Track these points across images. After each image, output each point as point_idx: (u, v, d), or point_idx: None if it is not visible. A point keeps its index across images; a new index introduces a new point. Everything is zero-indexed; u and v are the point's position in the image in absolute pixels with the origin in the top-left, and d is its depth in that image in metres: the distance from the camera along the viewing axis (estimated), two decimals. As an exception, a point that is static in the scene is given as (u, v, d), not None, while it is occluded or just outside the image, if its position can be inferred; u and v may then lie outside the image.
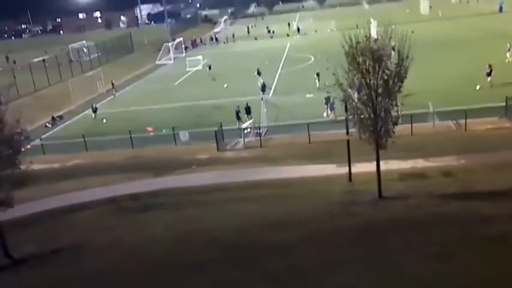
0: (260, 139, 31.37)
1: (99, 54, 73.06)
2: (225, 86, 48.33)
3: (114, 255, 16.05)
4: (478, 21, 78.04)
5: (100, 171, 28.89)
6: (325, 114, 34.14)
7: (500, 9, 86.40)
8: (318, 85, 41.90)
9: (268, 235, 15.77)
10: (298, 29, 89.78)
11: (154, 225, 18.61)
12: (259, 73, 49.36)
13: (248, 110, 35.14)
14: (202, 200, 22.35)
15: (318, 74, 42.55)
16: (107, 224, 19.84)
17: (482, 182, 20.43)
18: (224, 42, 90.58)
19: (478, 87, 36.65)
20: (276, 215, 18.15)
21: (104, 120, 41.45)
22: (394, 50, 19.08)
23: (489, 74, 37.18)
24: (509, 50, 44.80)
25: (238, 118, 34.57)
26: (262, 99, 38.19)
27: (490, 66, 37.38)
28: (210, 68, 58.07)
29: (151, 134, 35.09)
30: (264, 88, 42.07)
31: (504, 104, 30.29)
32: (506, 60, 44.51)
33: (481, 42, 56.89)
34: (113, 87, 52.98)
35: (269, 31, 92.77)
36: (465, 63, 46.55)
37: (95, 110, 43.43)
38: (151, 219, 19.79)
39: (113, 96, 51.57)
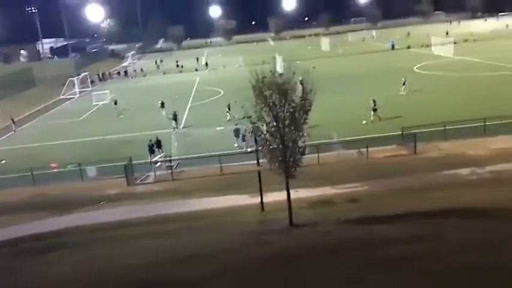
0: (172, 172, 31.01)
1: (-4, 89, 68.94)
2: (121, 116, 47.45)
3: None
4: (373, 57, 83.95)
5: (-3, 212, 26.88)
6: (236, 145, 34.65)
7: (393, 47, 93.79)
8: (228, 117, 42.47)
9: (180, 270, 15.44)
10: (207, 64, 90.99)
11: (59, 266, 17.48)
12: (162, 106, 49.51)
13: (158, 144, 34.72)
14: (111, 237, 21.47)
15: (228, 107, 43.15)
16: (5, 270, 18.32)
17: (384, 206, 21.63)
18: (132, 77, 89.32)
19: (364, 122, 38.00)
20: (187, 249, 17.86)
21: (3, 161, 38.10)
22: (302, 84, 19.89)
23: (374, 110, 38.65)
24: (404, 84, 48.43)
25: (152, 152, 34.00)
26: (174, 129, 38.70)
27: (374, 101, 39.03)
28: (116, 103, 56.68)
29: (55, 170, 33.38)
30: (175, 117, 42.43)
31: (401, 133, 32.61)
32: (400, 93, 48.03)
33: (377, 76, 61.11)
34: (13, 123, 49.81)
35: (178, 65, 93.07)
36: (364, 96, 49.51)
37: None
38: (56, 261, 18.57)
39: (12, 132, 48.47)
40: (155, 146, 34.52)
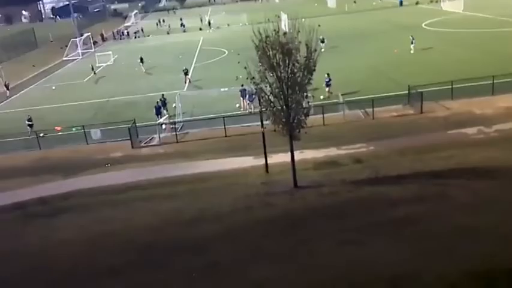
0: (176, 134, 30.88)
1: (-1, 51, 68.38)
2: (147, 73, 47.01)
3: (21, 265, 15.00)
4: (381, 14, 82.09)
5: (3, 175, 27.01)
6: (237, 105, 34.35)
7: (401, 3, 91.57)
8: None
9: (184, 233, 15.51)
10: (209, 23, 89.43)
11: (64, 229, 17.64)
12: (141, 61, 52.98)
13: (164, 103, 34.42)
14: (116, 200, 21.56)
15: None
16: (12, 232, 18.52)
17: (390, 167, 21.49)
18: (135, 37, 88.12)
19: (321, 97, 34.46)
20: (192, 211, 17.90)
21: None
22: (307, 46, 19.33)
23: (328, 85, 35.31)
24: (412, 43, 47.25)
25: (159, 113, 33.74)
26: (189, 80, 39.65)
27: (328, 75, 35.26)
28: (142, 60, 54.97)
29: (60, 133, 33.37)
30: (187, 72, 42.23)
31: (407, 92, 32.13)
32: (411, 52, 46.98)
33: (384, 35, 59.87)
34: (6, 89, 48.18)
35: (182, 25, 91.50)
36: (370, 55, 48.73)
37: None
38: (61, 224, 18.74)
39: (6, 99, 46.96)
40: (162, 107, 34.24)
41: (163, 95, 35.24)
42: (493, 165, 18.61)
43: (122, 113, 36.28)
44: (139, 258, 13.99)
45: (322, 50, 42.90)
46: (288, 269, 12.85)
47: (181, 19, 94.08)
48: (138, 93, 42.13)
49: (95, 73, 54.50)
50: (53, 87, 49.09)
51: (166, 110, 34.43)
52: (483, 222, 13.60)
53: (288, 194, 18.83)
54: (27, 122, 33.95)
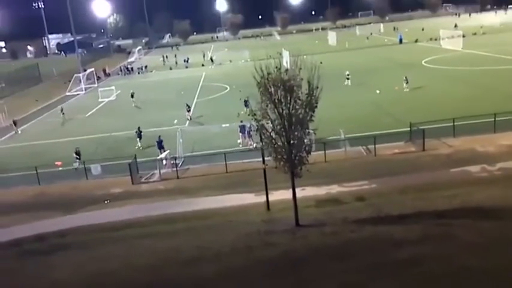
0: (177, 170, 30.69)
1: (3, 85, 68.95)
2: (139, 107, 46.66)
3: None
4: (381, 51, 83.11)
5: (1, 211, 26.68)
6: (239, 141, 34.26)
7: (400, 41, 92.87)
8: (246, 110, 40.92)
9: (183, 273, 15.12)
10: (212, 59, 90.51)
11: (61, 268, 17.22)
12: (132, 96, 54.29)
13: (160, 144, 34.07)
14: (114, 237, 21.18)
15: (245, 103, 41.50)
16: (6, 270, 18.08)
17: (392, 205, 21.16)
18: (138, 73, 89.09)
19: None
20: (191, 250, 17.51)
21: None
22: (309, 82, 19.30)
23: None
24: (406, 82, 47.22)
25: (161, 147, 33.66)
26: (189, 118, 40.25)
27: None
28: (132, 96, 56.19)
29: (60, 168, 33.19)
30: (139, 135, 37.64)
31: (409, 129, 32.07)
32: (405, 91, 46.93)
33: (385, 71, 60.37)
34: (14, 125, 47.31)
35: (185, 60, 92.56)
36: (371, 91, 48.97)
37: None
38: (58, 262, 18.32)
39: (14, 133, 46.60)
40: (157, 146, 34.00)
41: (159, 136, 34.76)
42: (498, 204, 18.29)
43: (123, 148, 36.18)
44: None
45: (349, 84, 49.47)
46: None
47: (186, 59, 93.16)
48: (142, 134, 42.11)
49: (63, 113, 52.16)
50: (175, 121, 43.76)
51: (163, 149, 33.79)
52: (490, 264, 13.21)
53: (290, 233, 18.47)
54: (74, 155, 33.43)
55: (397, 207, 20.59)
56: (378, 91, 47.84)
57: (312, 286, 13.28)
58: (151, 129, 40.91)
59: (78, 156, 33.36)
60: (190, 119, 45.08)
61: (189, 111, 45.80)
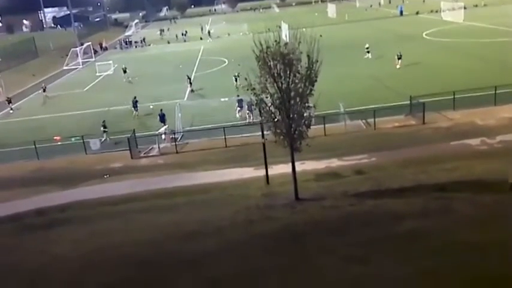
0: (176, 145, 30.60)
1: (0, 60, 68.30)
2: (131, 81, 45.81)
3: (14, 281, 14.58)
4: (381, 24, 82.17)
5: (0, 186, 26.69)
6: (237, 116, 34.07)
7: (401, 13, 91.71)
8: (235, 85, 41.12)
9: (184, 247, 15.13)
10: (209, 33, 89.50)
11: (61, 243, 17.23)
12: (124, 71, 52.66)
13: (162, 118, 33.96)
14: (114, 211, 21.19)
15: (235, 77, 41.75)
16: (7, 245, 18.11)
17: (393, 179, 21.14)
18: (136, 46, 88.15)
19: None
20: (192, 224, 17.53)
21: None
22: (308, 56, 18.98)
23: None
24: (399, 59, 45.25)
25: (163, 121, 33.53)
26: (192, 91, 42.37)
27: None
28: (125, 71, 55.83)
29: (59, 143, 33.09)
30: (135, 104, 38.88)
31: (409, 102, 31.89)
32: (397, 67, 45.33)
33: (385, 44, 59.71)
34: (9, 103, 46.09)
35: (183, 34, 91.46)
36: (371, 64, 48.59)
37: None
38: (58, 237, 18.33)
39: (10, 111, 45.28)
40: (159, 119, 33.89)
41: (161, 109, 34.78)
42: (498, 178, 18.22)
43: (122, 123, 36.01)
44: (137, 275, 13.57)
45: (369, 57, 48.15)
46: (290, 286, 12.48)
47: (184, 32, 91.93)
48: (138, 103, 41.79)
49: (44, 91, 50.45)
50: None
51: (165, 122, 33.72)
52: (490, 238, 13.22)
53: (289, 207, 18.46)
54: (102, 128, 33.34)
55: (397, 181, 20.58)
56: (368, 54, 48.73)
57: (312, 260, 13.30)
58: (150, 103, 40.72)
59: (105, 129, 33.24)
60: (192, 90, 45.00)
61: (190, 83, 45.78)
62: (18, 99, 50.55)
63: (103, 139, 32.69)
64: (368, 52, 51.84)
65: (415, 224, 14.74)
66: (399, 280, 11.70)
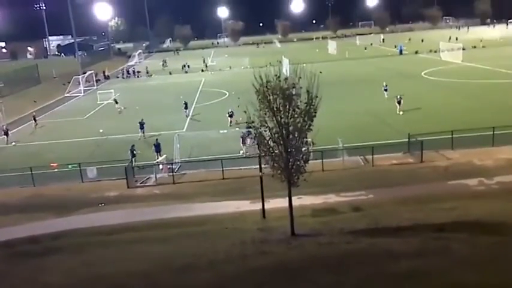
0: (173, 175, 30.50)
1: (2, 85, 68.78)
2: (101, 131, 45.47)
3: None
4: (381, 61, 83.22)
5: (-6, 212, 26.48)
6: (241, 152, 33.71)
7: (400, 52, 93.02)
8: (229, 124, 41.55)
9: (177, 280, 14.89)
10: (206, 65, 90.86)
11: (53, 271, 16.98)
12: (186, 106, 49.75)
13: (158, 147, 33.95)
14: (108, 241, 20.95)
15: (230, 115, 42.11)
16: (-1, 272, 17.87)
17: (390, 217, 21.00)
18: (138, 76, 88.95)
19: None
20: (185, 257, 17.29)
21: (14, 144, 40.00)
22: (308, 92, 18.95)
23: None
24: (399, 103, 42.45)
25: (158, 151, 33.50)
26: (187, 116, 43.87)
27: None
28: (116, 101, 56.12)
29: (56, 170, 32.96)
30: (142, 126, 40.75)
31: (407, 140, 31.97)
32: (398, 113, 42.55)
33: (384, 81, 60.24)
34: (34, 120, 48.74)
35: (184, 66, 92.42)
36: (370, 101, 48.93)
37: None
38: (50, 265, 18.07)
39: (13, 144, 43.04)
40: (155, 149, 33.83)
41: (157, 139, 34.93)
42: (496, 219, 18.14)
43: (120, 152, 35.94)
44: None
45: (398, 112, 41.67)
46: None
47: (186, 64, 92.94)
48: (137, 132, 41.91)
49: (35, 121, 49.45)
50: (101, 131, 44.56)
51: (160, 153, 33.69)
52: (487, 281, 13.05)
53: (285, 243, 18.26)
54: (130, 153, 33.10)
55: (394, 219, 20.43)
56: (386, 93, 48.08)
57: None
58: (150, 132, 40.78)
59: (134, 154, 33.13)
60: (187, 116, 46.58)
61: (186, 108, 47.85)
62: (19, 125, 50.62)
63: (132, 164, 32.12)
64: (386, 90, 49.17)
65: (412, 264, 14.56)
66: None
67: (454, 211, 20.87)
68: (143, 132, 40.34)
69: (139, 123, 40.64)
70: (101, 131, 43.91)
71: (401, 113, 42.05)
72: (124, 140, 40.23)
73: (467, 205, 21.69)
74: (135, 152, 33.23)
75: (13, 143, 41.64)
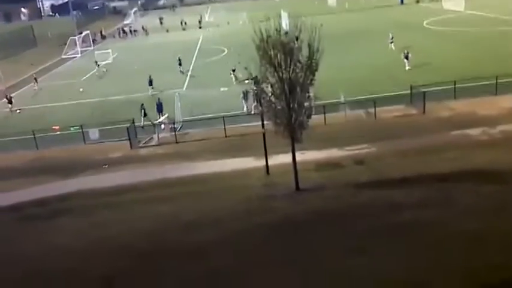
0: (175, 134, 30.48)
1: (-3, 48, 67.92)
2: (81, 90, 45.75)
3: (14, 272, 14.56)
4: (382, 12, 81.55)
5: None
6: (244, 109, 33.53)
7: (401, 2, 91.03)
8: (234, 81, 41.10)
9: (183, 238, 15.10)
10: (200, 22, 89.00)
11: (60, 233, 17.23)
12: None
13: (160, 107, 33.79)
14: (114, 202, 21.16)
15: (233, 70, 41.54)
16: (7, 235, 18.12)
17: (393, 169, 21.10)
18: (135, 35, 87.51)
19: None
20: (191, 215, 17.50)
21: (18, 111, 39.72)
22: (309, 45, 18.57)
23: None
24: (407, 59, 40.97)
25: (160, 111, 33.35)
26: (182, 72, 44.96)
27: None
28: (97, 64, 54.90)
29: (58, 132, 32.95)
30: (150, 83, 41.78)
31: (409, 92, 31.72)
32: (406, 68, 41.29)
33: (385, 33, 59.22)
34: (36, 82, 48.89)
35: (181, 23, 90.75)
36: (371, 53, 48.28)
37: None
38: (58, 227, 18.35)
39: (17, 111, 41.74)
40: (157, 109, 33.65)
41: (159, 98, 34.73)
42: (499, 168, 18.20)
43: (121, 113, 35.83)
44: (136, 266, 13.57)
45: (407, 68, 39.33)
46: (290, 276, 12.47)
47: (184, 22, 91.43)
48: (137, 92, 41.63)
49: (98, 66, 54.12)
50: (81, 89, 46.43)
51: (163, 113, 33.55)
52: (491, 229, 13.20)
53: (290, 198, 18.43)
54: (141, 112, 33.15)
55: (397, 171, 20.54)
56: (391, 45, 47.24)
57: (313, 251, 13.28)
58: (148, 92, 40.55)
59: (145, 114, 33.09)
60: (181, 72, 47.28)
61: (180, 65, 48.61)
62: (17, 89, 50.27)
63: (141, 124, 32.35)
64: (392, 43, 48.22)
65: (415, 215, 14.73)
66: (399, 269, 11.68)
67: (457, 161, 20.95)
68: (152, 89, 41.23)
69: (148, 80, 41.49)
70: (81, 90, 45.40)
71: (409, 68, 40.00)
72: (124, 100, 39.99)
73: (470, 155, 21.75)
74: (145, 111, 33.13)
75: (17, 111, 40.87)
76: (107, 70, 54.51)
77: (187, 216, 17.43)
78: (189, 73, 47.59)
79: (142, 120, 32.76)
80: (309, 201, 17.59)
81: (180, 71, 48.37)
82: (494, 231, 13.41)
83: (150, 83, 41.55)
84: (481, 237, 13.21)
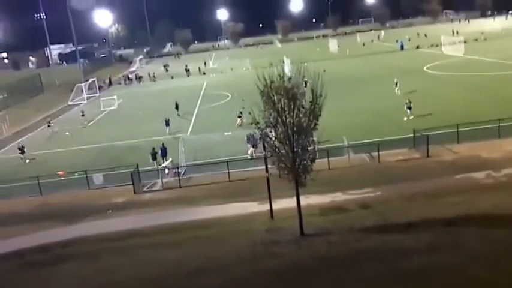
0: (179, 179, 30.51)
1: (5, 96, 68.97)
2: (66, 133, 48.37)
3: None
4: (383, 58, 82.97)
5: (3, 222, 26.52)
6: (249, 152, 33.63)
7: (402, 48, 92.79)
8: (239, 124, 41.44)
9: (188, 285, 14.90)
10: (199, 69, 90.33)
11: (64, 280, 17.04)
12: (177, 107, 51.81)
13: (165, 152, 33.97)
14: (118, 247, 20.97)
15: (241, 114, 41.91)
16: (10, 282, 17.89)
17: (398, 213, 20.93)
18: (141, 82, 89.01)
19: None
20: (195, 261, 17.29)
21: (28, 161, 39.41)
22: (312, 90, 18.84)
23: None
24: (396, 85, 45.83)
25: (155, 159, 33.51)
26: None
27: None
28: (83, 114, 55.14)
29: (62, 178, 33.03)
30: (167, 123, 44.03)
31: (412, 135, 31.85)
32: (398, 94, 46.20)
33: (386, 78, 60.11)
34: (22, 153, 42.29)
35: (186, 70, 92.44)
36: (373, 98, 48.80)
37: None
38: (62, 274, 18.13)
39: (27, 161, 40.60)
40: (161, 153, 33.80)
41: (163, 143, 34.92)
42: (505, 212, 18.04)
43: (125, 158, 36.01)
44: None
45: (411, 117, 37.50)
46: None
47: (187, 68, 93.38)
48: (141, 138, 41.98)
49: (49, 126, 50.96)
50: (67, 133, 49.23)
51: (166, 158, 33.71)
52: (500, 275, 12.97)
53: (295, 243, 18.22)
54: (150, 156, 33.46)
55: (403, 215, 20.37)
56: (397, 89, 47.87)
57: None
58: (154, 138, 40.81)
59: (154, 157, 33.33)
60: (179, 115, 49.85)
61: (177, 108, 50.62)
62: (23, 135, 50.78)
63: (156, 167, 32.30)
64: (397, 87, 48.18)
65: (423, 260, 14.49)
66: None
67: (463, 205, 20.78)
68: (169, 128, 43.00)
69: (165, 120, 43.54)
70: (66, 133, 47.44)
71: (411, 117, 38.16)
72: (128, 146, 40.28)
73: (476, 199, 21.60)
74: (155, 155, 33.41)
75: (27, 161, 39.41)
76: (89, 123, 54.00)
77: (192, 262, 17.22)
78: (194, 118, 48.04)
79: (155, 164, 32.85)
80: (314, 247, 17.39)
81: (178, 115, 49.86)
82: (503, 277, 13.15)
83: (167, 123, 43.38)
84: (491, 282, 12.96)
